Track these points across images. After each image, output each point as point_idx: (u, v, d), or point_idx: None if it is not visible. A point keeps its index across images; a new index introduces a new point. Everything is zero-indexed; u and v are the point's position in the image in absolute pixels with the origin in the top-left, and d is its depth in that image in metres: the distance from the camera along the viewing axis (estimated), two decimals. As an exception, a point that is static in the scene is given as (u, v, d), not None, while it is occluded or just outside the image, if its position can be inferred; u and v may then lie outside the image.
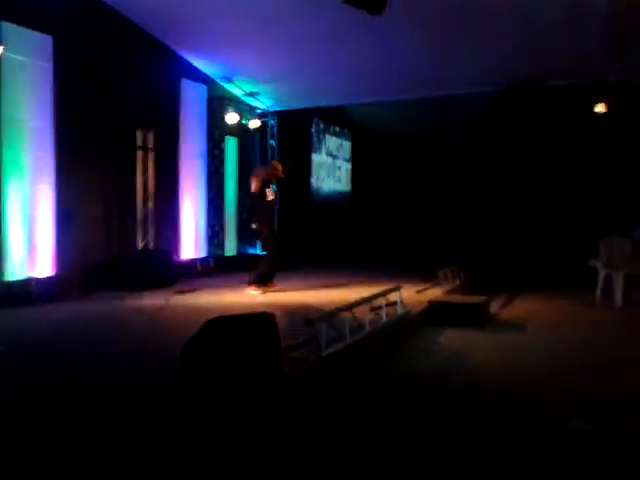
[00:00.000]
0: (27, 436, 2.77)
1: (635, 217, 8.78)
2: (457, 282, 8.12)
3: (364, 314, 5.03)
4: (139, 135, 8.23)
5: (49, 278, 6.81)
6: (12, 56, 6.28)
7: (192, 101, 9.41)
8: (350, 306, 4.77)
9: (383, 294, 5.61)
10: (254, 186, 7.68)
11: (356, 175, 15.03)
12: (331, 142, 14.09)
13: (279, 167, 7.91)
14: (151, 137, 8.36)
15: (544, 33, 7.44)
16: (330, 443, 3.09)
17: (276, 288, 7.64)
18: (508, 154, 11.42)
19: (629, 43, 7.38)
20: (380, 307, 5.50)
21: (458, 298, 7.02)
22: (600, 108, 9.48)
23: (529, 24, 7.20)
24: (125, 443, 2.77)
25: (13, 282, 6.41)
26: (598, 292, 7.63)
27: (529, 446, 3.05)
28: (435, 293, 7.35)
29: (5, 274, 6.36)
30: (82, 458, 2.62)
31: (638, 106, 9.66)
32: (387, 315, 5.46)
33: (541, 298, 7.84)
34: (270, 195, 7.62)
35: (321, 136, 13.65)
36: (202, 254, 9.64)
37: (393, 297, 5.80)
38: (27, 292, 6.44)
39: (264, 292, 7.41)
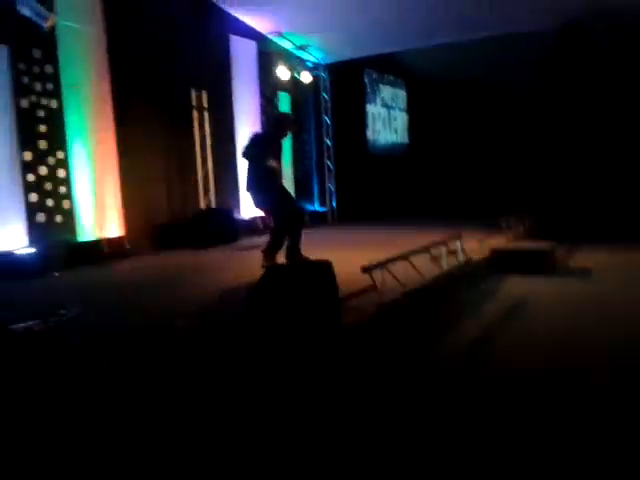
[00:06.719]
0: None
1: None
2: (521, 229, 7.85)
3: (424, 263, 4.96)
4: (193, 95, 8.29)
5: (118, 238, 7.11)
6: (66, 24, 6.42)
7: (242, 58, 9.36)
8: (408, 254, 4.71)
9: (443, 242, 5.51)
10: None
11: (413, 125, 14.64)
12: (385, 92, 13.72)
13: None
14: (205, 96, 8.41)
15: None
16: (387, 388, 3.12)
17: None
18: (573, 95, 10.75)
19: None
20: (440, 256, 5.41)
21: (522, 245, 6.81)
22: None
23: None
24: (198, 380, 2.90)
25: (85, 243, 6.75)
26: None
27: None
28: (498, 241, 7.16)
29: (77, 235, 6.70)
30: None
31: None
32: (448, 264, 5.38)
33: (611, 248, 7.46)
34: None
35: (375, 86, 13.32)
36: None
37: (454, 246, 5.69)
38: (98, 252, 6.77)
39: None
